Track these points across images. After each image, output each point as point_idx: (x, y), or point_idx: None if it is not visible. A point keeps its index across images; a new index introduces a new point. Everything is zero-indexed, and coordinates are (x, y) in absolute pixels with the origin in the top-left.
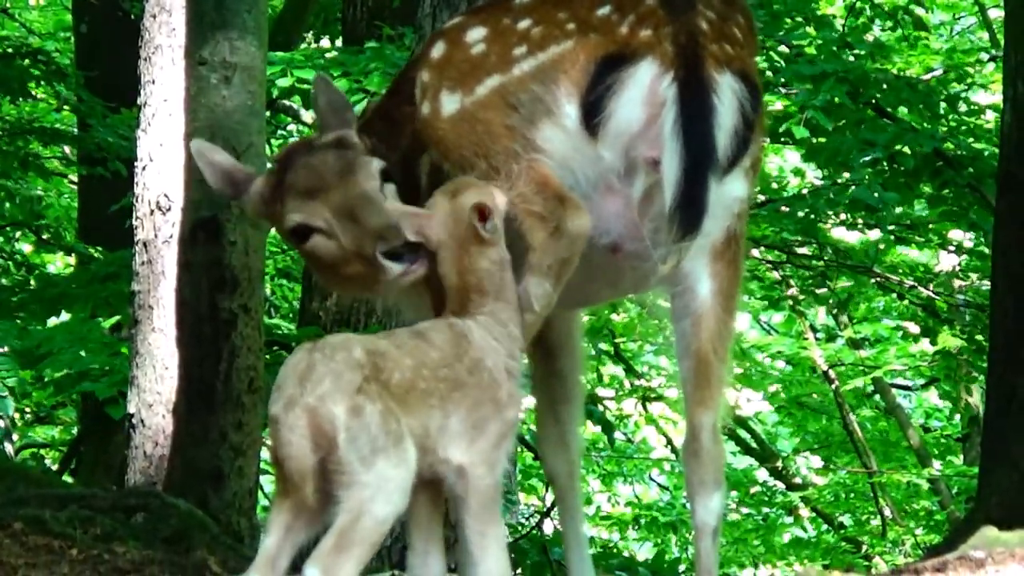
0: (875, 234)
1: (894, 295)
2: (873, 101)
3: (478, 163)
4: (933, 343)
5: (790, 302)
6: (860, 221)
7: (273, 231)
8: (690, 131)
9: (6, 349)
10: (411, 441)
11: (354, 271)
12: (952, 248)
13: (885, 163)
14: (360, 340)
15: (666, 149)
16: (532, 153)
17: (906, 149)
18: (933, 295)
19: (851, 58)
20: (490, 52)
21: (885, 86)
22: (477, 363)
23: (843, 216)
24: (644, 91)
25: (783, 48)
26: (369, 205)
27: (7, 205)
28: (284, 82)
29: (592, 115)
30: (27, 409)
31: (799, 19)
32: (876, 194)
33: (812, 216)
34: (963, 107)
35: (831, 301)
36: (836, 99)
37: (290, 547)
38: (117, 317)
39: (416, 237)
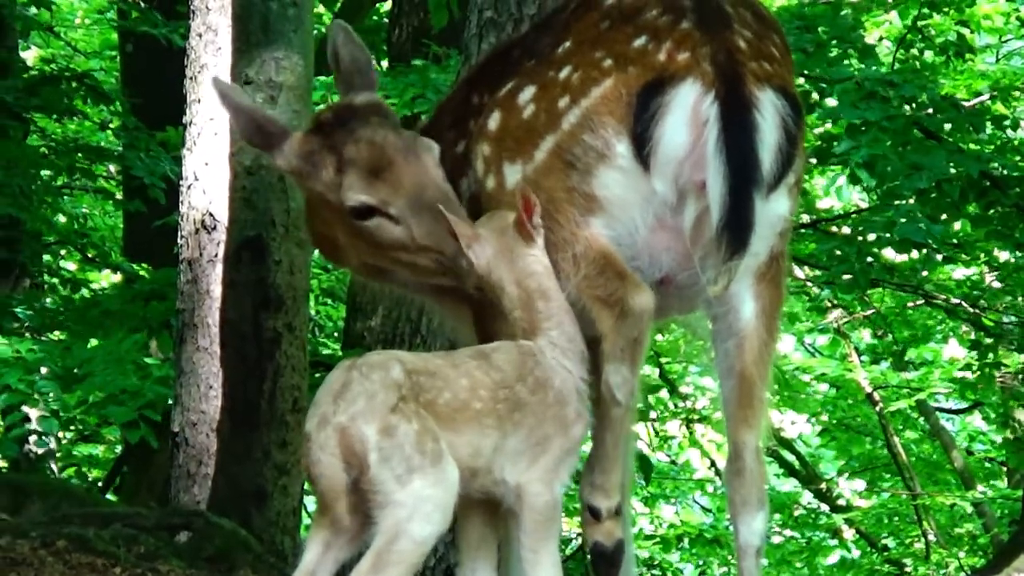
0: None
1: (939, 317)
2: (919, 121)
3: (545, 234)
4: (982, 359)
5: (834, 324)
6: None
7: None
8: (733, 148)
9: (46, 371)
10: (452, 461)
11: (419, 262)
12: (997, 265)
13: (932, 188)
14: (404, 358)
15: (710, 168)
16: (591, 217)
17: (952, 171)
18: (979, 312)
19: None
20: (539, 111)
21: (931, 109)
22: (541, 382)
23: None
24: (688, 113)
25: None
26: (451, 207)
27: (54, 221)
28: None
29: (642, 146)
30: (71, 427)
31: (846, 47)
32: (923, 226)
33: (861, 245)
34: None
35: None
36: (881, 122)
37: (330, 564)
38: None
39: (467, 252)
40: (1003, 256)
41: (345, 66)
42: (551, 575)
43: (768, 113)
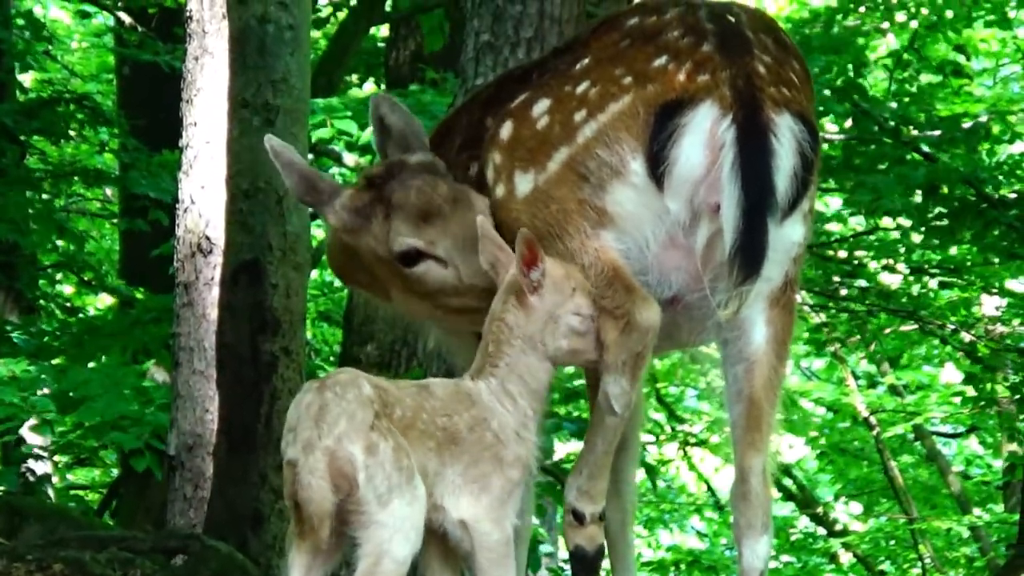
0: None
1: (936, 341)
2: (912, 140)
3: (554, 244)
4: (976, 388)
5: (832, 348)
6: (902, 264)
7: (317, 274)
8: (748, 173)
9: (47, 391)
10: (419, 478)
11: (465, 304)
12: (995, 290)
13: (922, 198)
14: (366, 375)
15: (724, 192)
16: (601, 230)
17: (946, 189)
18: (975, 339)
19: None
20: (554, 123)
21: (930, 131)
22: (478, 421)
23: (885, 261)
24: (705, 135)
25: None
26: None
27: (48, 246)
28: (324, 132)
29: (657, 165)
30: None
31: (833, 56)
32: (916, 234)
33: (854, 261)
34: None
35: (872, 346)
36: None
37: None
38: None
39: (487, 267)
40: (1008, 283)
41: (398, 131)
42: None
43: (785, 138)
